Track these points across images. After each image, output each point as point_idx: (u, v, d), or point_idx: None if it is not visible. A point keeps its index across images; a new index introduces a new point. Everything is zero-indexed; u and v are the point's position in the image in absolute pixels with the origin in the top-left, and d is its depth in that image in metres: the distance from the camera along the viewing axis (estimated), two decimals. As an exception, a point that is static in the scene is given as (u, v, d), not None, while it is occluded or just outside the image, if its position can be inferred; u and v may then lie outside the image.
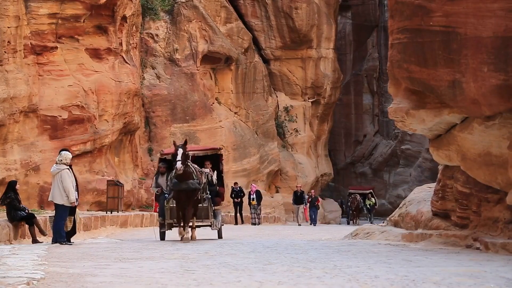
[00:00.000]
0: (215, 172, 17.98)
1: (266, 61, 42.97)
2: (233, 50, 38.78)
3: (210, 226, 17.89)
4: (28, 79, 25.24)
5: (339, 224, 42.09)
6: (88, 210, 26.03)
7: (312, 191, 38.59)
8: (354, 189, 46.62)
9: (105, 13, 27.99)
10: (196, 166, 16.52)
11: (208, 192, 17.29)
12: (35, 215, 17.21)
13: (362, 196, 42.87)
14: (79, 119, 26.84)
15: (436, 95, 12.04)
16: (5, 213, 16.98)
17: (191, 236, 16.26)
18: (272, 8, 42.14)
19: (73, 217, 15.65)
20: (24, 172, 25.16)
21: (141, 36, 34.76)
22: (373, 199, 43.64)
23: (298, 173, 42.44)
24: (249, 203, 32.48)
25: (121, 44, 29.41)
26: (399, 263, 10.20)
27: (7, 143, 24.76)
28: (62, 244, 14.89)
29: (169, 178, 16.49)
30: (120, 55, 29.34)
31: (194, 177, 15.94)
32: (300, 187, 37.11)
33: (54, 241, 15.24)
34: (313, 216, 36.02)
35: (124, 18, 29.47)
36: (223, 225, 18.86)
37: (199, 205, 16.69)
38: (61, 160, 15.41)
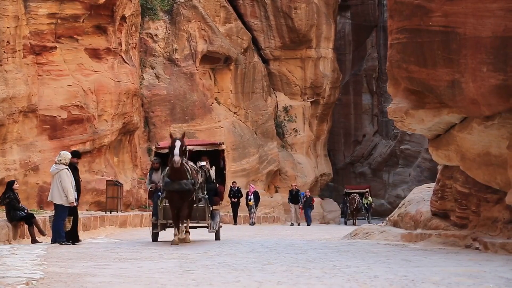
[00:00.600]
0: (213, 167, 16.44)
1: (265, 61, 42.97)
2: (233, 50, 38.78)
3: (206, 227, 16.34)
4: (27, 79, 25.22)
5: (339, 224, 42.04)
6: (87, 210, 26.02)
7: (307, 191, 38.22)
8: (350, 188, 46.14)
9: (105, 13, 27.98)
10: (191, 163, 15.19)
11: (206, 191, 15.84)
12: (34, 215, 17.20)
13: (359, 195, 42.53)
14: (78, 119, 26.83)
15: (436, 95, 12.04)
16: (4, 213, 16.98)
17: (184, 239, 14.81)
18: (271, 8, 42.14)
19: (72, 217, 15.66)
20: (24, 172, 25.15)
21: (140, 36, 34.75)
22: (370, 198, 43.36)
23: (297, 173, 42.43)
24: (247, 204, 32.36)
25: (120, 44, 29.40)
26: (398, 263, 10.20)
27: (6, 143, 24.75)
28: (62, 244, 14.90)
29: (161, 176, 15.17)
30: (119, 55, 29.33)
31: (189, 177, 14.54)
32: (296, 186, 36.88)
33: (54, 241, 15.25)
34: (308, 216, 35.89)
35: (123, 18, 29.46)
36: (221, 226, 16.99)
37: (194, 205, 15.25)
38: (60, 160, 15.43)
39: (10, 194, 16.81)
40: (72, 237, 15.67)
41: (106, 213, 24.55)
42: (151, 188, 16.25)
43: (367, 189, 44.51)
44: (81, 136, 26.92)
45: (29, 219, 16.68)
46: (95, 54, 28.17)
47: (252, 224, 31.80)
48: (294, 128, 43.70)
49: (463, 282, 7.97)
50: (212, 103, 37.94)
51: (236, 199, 31.64)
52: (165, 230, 16.16)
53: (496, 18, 10.84)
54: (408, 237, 15.30)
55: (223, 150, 17.29)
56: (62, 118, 26.42)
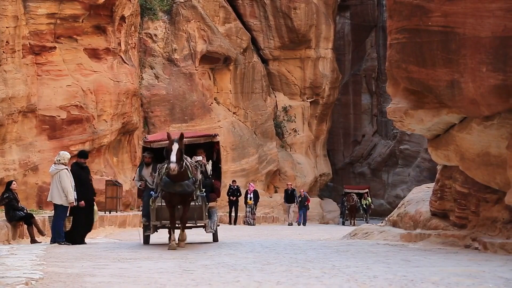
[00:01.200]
0: (210, 162, 15.21)
1: (264, 61, 42.97)
2: (232, 50, 38.78)
3: (203, 227, 14.95)
4: (27, 79, 25.22)
5: (338, 224, 42.01)
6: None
7: (302, 190, 37.98)
8: (350, 188, 45.86)
9: (104, 13, 27.98)
10: (189, 159, 13.90)
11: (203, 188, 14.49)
12: (34, 215, 17.21)
13: (358, 196, 42.23)
14: (77, 119, 26.83)
15: (435, 95, 12.04)
16: (4, 213, 16.98)
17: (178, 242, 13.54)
18: (270, 8, 42.15)
19: (71, 217, 15.66)
20: (23, 172, 25.15)
21: (139, 36, 34.75)
22: (369, 199, 43.03)
23: (296, 173, 42.44)
24: (245, 202, 32.32)
25: (119, 44, 29.40)
26: (397, 263, 10.20)
27: (6, 143, 24.74)
28: (61, 244, 14.90)
29: (157, 173, 13.84)
30: (118, 55, 29.33)
31: (190, 176, 13.41)
32: (291, 185, 36.68)
33: (53, 241, 15.25)
34: (303, 216, 35.78)
35: (122, 18, 29.46)
36: (219, 225, 15.84)
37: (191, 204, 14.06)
38: (60, 160, 15.45)
39: (9, 194, 16.81)
40: (78, 239, 15.63)
41: (105, 213, 24.55)
42: (140, 186, 15.06)
43: (367, 190, 44.22)
44: (81, 136, 26.92)
45: (28, 219, 16.68)
46: (94, 54, 28.17)
47: (252, 224, 31.75)
48: (293, 128, 43.71)
49: (463, 282, 7.97)
50: (212, 103, 37.94)
51: (234, 198, 31.59)
52: (157, 231, 14.87)
53: (495, 18, 10.84)
54: (407, 237, 15.29)
55: (217, 142, 15.71)
56: (61, 118, 26.42)
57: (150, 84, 35.34)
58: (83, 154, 16.32)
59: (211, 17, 38.71)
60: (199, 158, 14.60)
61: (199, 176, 14.02)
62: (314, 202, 42.54)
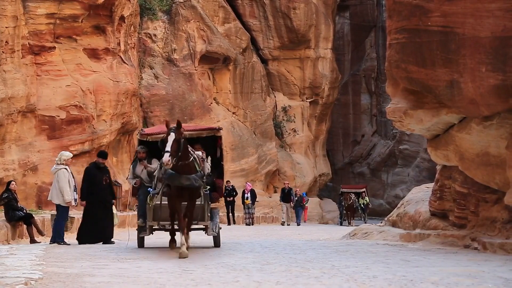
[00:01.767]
0: (209, 158, 13.65)
1: (264, 61, 42.97)
2: (231, 50, 38.78)
3: (204, 230, 13.43)
4: (26, 79, 25.21)
5: (337, 224, 41.94)
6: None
7: (297, 189, 37.76)
8: (347, 187, 45.42)
9: (103, 13, 27.97)
10: (196, 152, 12.61)
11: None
12: (33, 215, 17.21)
13: (355, 195, 41.65)
14: (77, 119, 26.82)
15: (434, 95, 12.05)
16: (3, 213, 16.98)
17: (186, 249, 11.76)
18: (270, 8, 42.15)
19: (73, 218, 15.73)
20: (22, 172, 25.14)
21: (139, 36, 34.74)
22: (366, 198, 42.50)
23: (296, 173, 42.43)
24: (243, 202, 32.22)
25: (119, 44, 29.39)
26: (397, 263, 10.20)
27: (5, 143, 24.73)
28: (60, 244, 14.90)
29: (159, 166, 12.47)
30: (118, 55, 29.32)
31: (198, 169, 12.12)
32: (288, 184, 36.52)
33: (52, 241, 15.26)
34: (298, 216, 35.64)
35: (122, 18, 29.45)
36: (220, 228, 14.06)
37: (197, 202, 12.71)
38: (59, 160, 15.50)
39: (9, 194, 16.82)
40: (104, 237, 15.59)
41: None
42: (134, 184, 13.85)
43: (364, 189, 43.78)
44: (80, 136, 26.91)
45: (28, 219, 16.68)
46: (93, 54, 28.16)
47: (250, 224, 31.69)
48: (293, 128, 43.70)
49: (462, 282, 7.98)
50: (211, 103, 37.94)
51: (231, 198, 31.53)
52: (152, 233, 13.55)
53: (495, 18, 10.84)
54: (407, 237, 15.29)
55: (220, 137, 14.22)
56: (60, 118, 26.41)
57: (149, 84, 35.34)
58: (101, 154, 16.26)
59: (211, 17, 38.71)
60: (199, 153, 12.95)
61: (207, 170, 12.79)
62: (313, 202, 42.53)
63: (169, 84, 35.83)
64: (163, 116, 35.08)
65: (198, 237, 15.03)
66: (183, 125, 11.98)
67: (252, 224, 31.79)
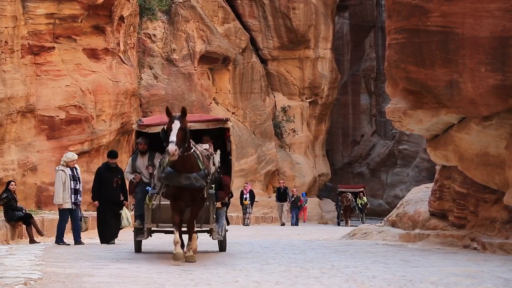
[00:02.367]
0: (218, 152, 12.09)
1: (263, 61, 42.96)
2: (231, 50, 38.78)
3: (208, 232, 12.17)
4: (26, 79, 25.20)
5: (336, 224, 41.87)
6: (85, 210, 26.00)
7: (294, 189, 37.50)
8: (344, 187, 44.68)
9: (103, 13, 27.96)
10: (199, 147, 11.11)
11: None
12: (32, 215, 17.22)
13: (353, 195, 40.86)
14: (76, 119, 26.82)
15: (434, 95, 12.05)
16: (2, 213, 16.98)
17: (191, 256, 10.52)
18: (269, 8, 42.15)
19: (87, 218, 15.88)
20: (22, 172, 25.13)
21: (138, 36, 34.72)
22: (364, 198, 41.68)
23: (295, 173, 42.41)
24: (241, 203, 32.03)
25: (118, 44, 29.38)
26: (396, 263, 10.20)
27: (5, 143, 24.73)
28: (59, 244, 14.95)
29: (159, 165, 11.06)
30: (117, 55, 29.31)
31: (200, 166, 10.61)
32: (284, 183, 36.26)
33: (56, 241, 15.39)
34: (295, 216, 35.47)
35: (121, 18, 29.44)
36: (227, 231, 12.88)
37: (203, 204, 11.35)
38: (62, 161, 15.67)
39: (8, 194, 16.83)
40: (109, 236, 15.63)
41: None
42: (133, 179, 12.49)
43: (362, 189, 43.29)
44: (79, 136, 26.91)
45: (27, 219, 16.69)
46: (93, 54, 28.15)
47: (247, 224, 31.60)
48: (292, 128, 43.69)
49: (461, 282, 7.98)
50: (211, 103, 37.93)
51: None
52: (151, 236, 12.25)
53: (494, 18, 10.84)
54: (406, 237, 15.30)
55: (228, 129, 12.78)
56: (60, 118, 26.41)
57: (149, 84, 35.33)
58: (111, 154, 16.24)
59: (210, 17, 38.70)
60: (206, 146, 11.60)
61: (212, 168, 11.27)
62: (313, 202, 42.51)
63: (168, 84, 35.82)
64: (162, 116, 35.07)
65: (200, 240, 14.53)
66: (188, 115, 10.64)
67: (248, 224, 31.70)
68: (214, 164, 11.43)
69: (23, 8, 25.51)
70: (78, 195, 15.56)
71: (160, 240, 14.76)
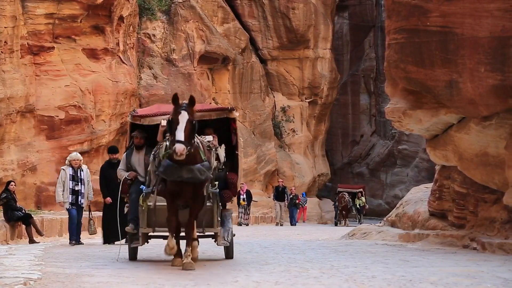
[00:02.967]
0: (223, 146, 10.70)
1: (263, 61, 42.95)
2: (230, 50, 38.78)
3: (213, 238, 10.70)
4: (25, 79, 25.20)
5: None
6: (85, 211, 25.97)
7: (293, 188, 37.15)
8: (343, 187, 44.09)
9: (102, 13, 27.96)
10: (201, 138, 9.83)
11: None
12: (32, 215, 17.23)
13: (351, 195, 40.37)
14: (76, 119, 26.82)
15: (433, 95, 12.05)
16: (2, 213, 16.99)
17: (191, 263, 9.34)
18: (269, 8, 42.15)
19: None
20: (21, 172, 25.13)
21: (138, 36, 34.71)
22: (363, 199, 41.11)
23: (295, 173, 42.40)
24: (238, 203, 31.84)
25: (118, 44, 29.38)
26: (396, 263, 10.21)
27: (4, 143, 24.73)
28: (71, 244, 15.17)
29: (153, 157, 9.84)
30: (117, 55, 29.32)
31: (203, 157, 9.39)
32: (282, 182, 35.90)
33: (70, 242, 15.54)
34: (293, 215, 35.28)
35: (121, 18, 29.44)
36: (234, 235, 11.16)
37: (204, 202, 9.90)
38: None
39: (7, 194, 16.83)
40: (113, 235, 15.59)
41: (104, 213, 24.50)
42: (128, 177, 10.91)
43: (361, 189, 42.89)
44: (79, 136, 26.91)
45: (27, 219, 16.69)
46: (92, 54, 28.15)
47: (245, 225, 31.47)
48: (292, 128, 43.69)
49: (461, 282, 7.98)
50: (210, 103, 37.90)
51: None
52: (147, 242, 10.98)
53: (493, 18, 10.85)
54: (406, 237, 15.30)
55: (234, 120, 11.20)
56: (59, 118, 26.41)
57: (148, 84, 35.32)
58: (111, 149, 16.20)
59: (210, 17, 38.70)
60: (209, 138, 10.32)
61: (214, 161, 10.00)
62: (312, 202, 42.50)
63: (168, 84, 35.80)
64: (162, 116, 35.06)
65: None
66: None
67: (247, 225, 31.59)
68: (217, 159, 10.19)
69: (23, 8, 25.51)
70: (80, 197, 15.55)
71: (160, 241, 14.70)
